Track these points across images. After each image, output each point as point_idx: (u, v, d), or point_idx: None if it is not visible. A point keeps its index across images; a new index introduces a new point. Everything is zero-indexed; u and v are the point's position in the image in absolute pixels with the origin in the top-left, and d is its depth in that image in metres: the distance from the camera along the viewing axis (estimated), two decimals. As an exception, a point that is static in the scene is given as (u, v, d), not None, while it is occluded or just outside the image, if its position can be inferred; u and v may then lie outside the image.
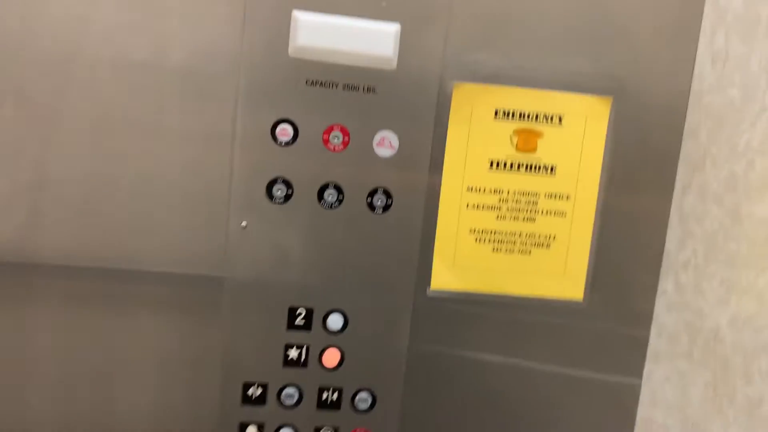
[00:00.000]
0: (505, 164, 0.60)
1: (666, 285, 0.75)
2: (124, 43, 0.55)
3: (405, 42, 0.56)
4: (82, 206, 0.57)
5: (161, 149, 0.57)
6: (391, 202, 0.59)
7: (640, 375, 0.65)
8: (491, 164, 0.60)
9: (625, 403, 0.65)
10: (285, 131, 0.57)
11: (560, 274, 0.62)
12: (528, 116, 0.60)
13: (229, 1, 0.55)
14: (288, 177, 0.58)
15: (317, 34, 0.55)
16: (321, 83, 0.56)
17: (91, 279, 0.58)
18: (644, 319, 0.64)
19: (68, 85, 0.55)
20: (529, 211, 0.61)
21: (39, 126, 0.56)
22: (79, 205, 0.57)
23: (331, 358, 0.61)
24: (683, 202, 0.74)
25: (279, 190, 0.58)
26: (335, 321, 0.60)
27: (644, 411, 0.65)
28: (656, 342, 0.75)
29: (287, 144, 0.57)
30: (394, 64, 0.56)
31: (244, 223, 0.58)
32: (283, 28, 0.55)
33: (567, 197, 0.61)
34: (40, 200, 0.57)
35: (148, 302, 0.59)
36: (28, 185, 0.56)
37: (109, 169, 0.57)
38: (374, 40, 0.55)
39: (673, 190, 0.62)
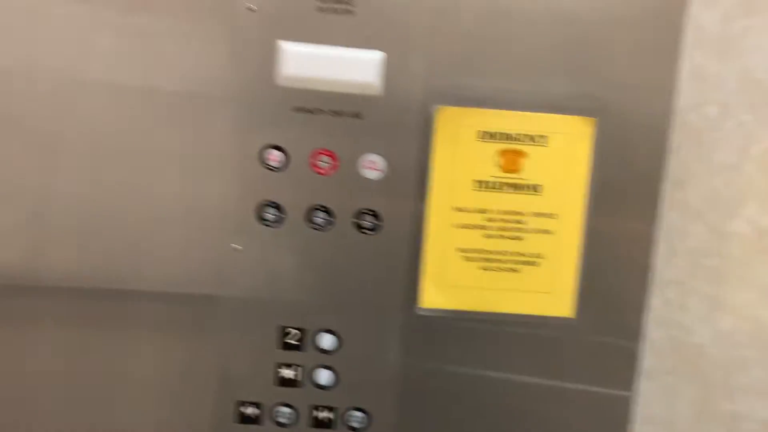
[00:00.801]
0: (490, 184, 0.61)
1: (653, 301, 0.76)
2: (118, 69, 0.58)
3: (389, 68, 0.58)
4: (81, 229, 0.59)
5: (156, 174, 0.59)
6: (379, 223, 0.60)
7: (629, 388, 0.65)
8: (477, 184, 0.61)
9: (617, 415, 0.66)
10: (274, 156, 0.59)
11: (549, 291, 0.63)
12: (512, 137, 0.61)
13: (217, 30, 0.57)
14: (278, 200, 0.59)
15: (302, 63, 0.57)
16: (308, 110, 0.58)
17: (90, 300, 0.60)
18: (633, 333, 0.65)
19: (66, 111, 0.58)
20: (516, 230, 0.62)
21: (38, 152, 0.58)
22: (77, 228, 0.59)
23: (324, 377, 0.62)
24: (667, 218, 0.75)
25: (269, 214, 0.60)
26: (328, 340, 0.62)
27: (634, 426, 0.66)
28: (645, 357, 0.76)
29: (276, 169, 0.59)
30: (378, 90, 0.58)
31: (236, 246, 0.60)
32: (268, 57, 0.57)
33: (553, 216, 0.62)
34: (41, 225, 0.59)
35: (145, 322, 0.61)
36: (29, 210, 0.59)
37: (106, 193, 0.59)
38: (358, 68, 0.57)
39: (656, 207, 0.63)
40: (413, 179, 0.60)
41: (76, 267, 0.60)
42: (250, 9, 0.57)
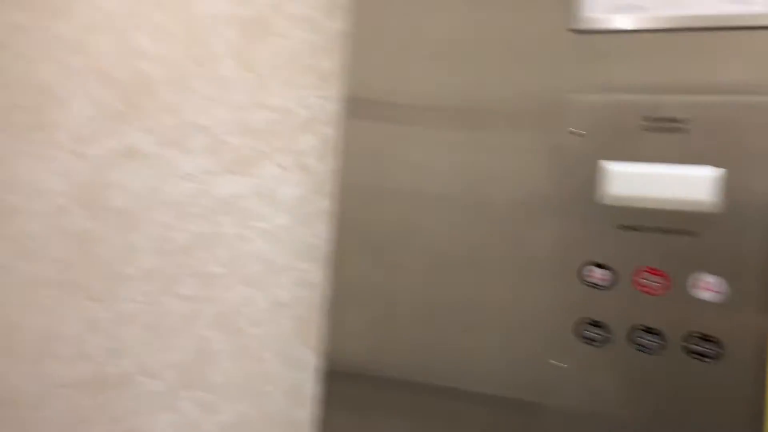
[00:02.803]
0: None
1: None
2: (453, 182, 0.64)
3: (727, 184, 0.53)
4: (418, 329, 0.64)
5: (484, 286, 0.62)
6: (718, 349, 0.55)
7: None
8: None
9: None
10: (596, 273, 0.58)
11: None
12: None
13: (544, 154, 0.60)
14: (600, 319, 0.58)
15: (628, 182, 0.56)
16: (634, 228, 0.57)
17: (425, 394, 0.64)
18: None
19: (409, 223, 0.65)
20: None
21: (385, 261, 0.66)
22: (415, 328, 0.64)
23: None
24: None
25: (591, 332, 0.58)
26: (654, 473, 0.57)
27: None
28: None
29: (599, 286, 0.58)
30: (715, 208, 0.53)
31: (556, 363, 0.59)
32: (592, 175, 0.58)
33: None
34: (386, 324, 0.66)
35: (472, 422, 0.63)
36: (378, 311, 0.66)
37: (441, 297, 0.64)
38: (691, 185, 0.54)
39: None
40: (757, 302, 0.54)
41: (415, 363, 0.65)
42: (574, 133, 0.58)
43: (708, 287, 0.55)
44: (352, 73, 0.69)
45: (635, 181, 0.55)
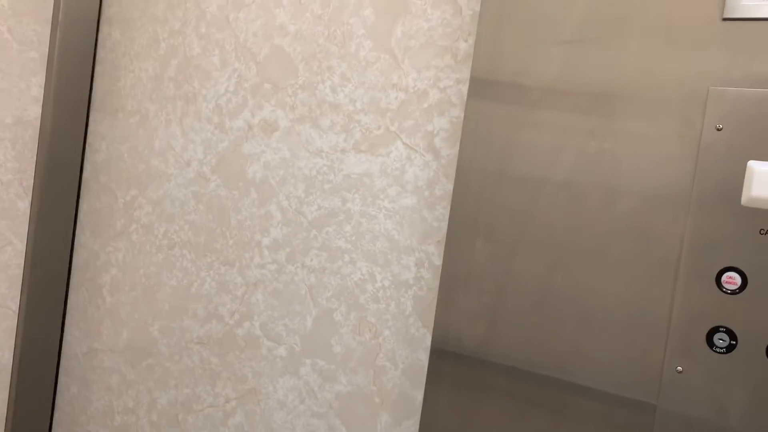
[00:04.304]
0: None
1: None
2: (579, 170, 0.62)
3: None
4: (533, 318, 0.64)
5: (605, 279, 0.61)
6: None
7: None
8: None
9: None
10: (733, 279, 0.55)
11: None
12: None
13: (682, 148, 0.58)
14: (732, 327, 0.55)
15: None
16: None
17: (532, 383, 0.64)
18: None
19: (532, 205, 0.64)
20: None
21: (498, 245, 0.66)
22: (530, 317, 0.64)
23: None
24: None
25: (721, 340, 0.56)
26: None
27: None
28: None
29: (734, 293, 0.55)
30: None
31: (679, 368, 0.57)
32: (736, 178, 0.55)
33: None
34: (501, 309, 0.66)
35: (580, 415, 0.62)
36: (490, 296, 0.67)
37: (560, 290, 0.63)
38: None
39: None
40: None
41: (525, 351, 0.64)
42: (718, 128, 0.56)
43: None
44: (480, 53, 0.68)
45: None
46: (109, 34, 1.08)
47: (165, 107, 1.01)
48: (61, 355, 1.12)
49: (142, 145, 1.04)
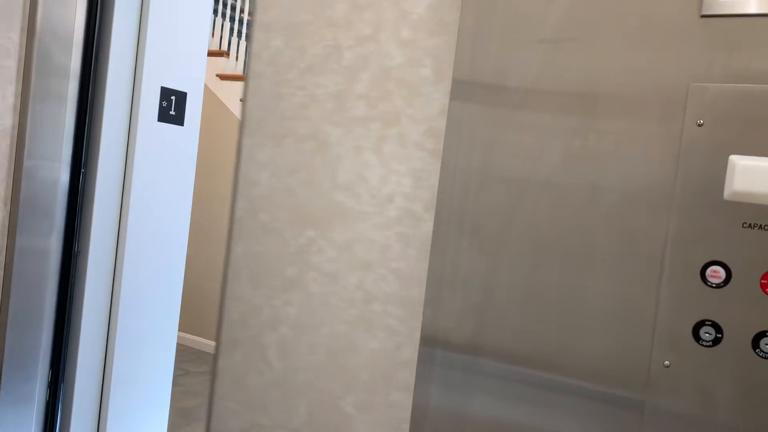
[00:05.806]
0: None
1: None
2: (561, 170, 0.62)
3: None
4: (521, 318, 0.64)
5: (591, 277, 0.61)
6: None
7: None
8: None
9: None
10: (717, 273, 0.55)
11: None
12: None
13: (664, 145, 0.58)
14: (718, 320, 0.55)
15: (756, 179, 0.53)
16: (760, 226, 0.54)
17: (521, 380, 0.64)
18: None
19: (516, 204, 0.64)
20: None
21: (483, 245, 0.65)
22: (518, 317, 0.64)
23: None
24: None
25: (707, 333, 0.56)
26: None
27: None
28: None
29: (719, 286, 0.55)
30: None
31: (667, 362, 0.57)
32: (718, 173, 0.55)
33: None
34: (487, 308, 0.65)
35: (567, 410, 0.62)
36: (477, 295, 0.66)
37: (546, 288, 0.63)
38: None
39: None
40: None
41: (513, 349, 0.64)
42: (699, 124, 0.56)
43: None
44: (461, 55, 0.68)
45: (763, 177, 0.53)
46: (267, 43, 0.89)
47: (352, 131, 0.83)
48: (210, 430, 0.92)
49: (320, 176, 0.85)
